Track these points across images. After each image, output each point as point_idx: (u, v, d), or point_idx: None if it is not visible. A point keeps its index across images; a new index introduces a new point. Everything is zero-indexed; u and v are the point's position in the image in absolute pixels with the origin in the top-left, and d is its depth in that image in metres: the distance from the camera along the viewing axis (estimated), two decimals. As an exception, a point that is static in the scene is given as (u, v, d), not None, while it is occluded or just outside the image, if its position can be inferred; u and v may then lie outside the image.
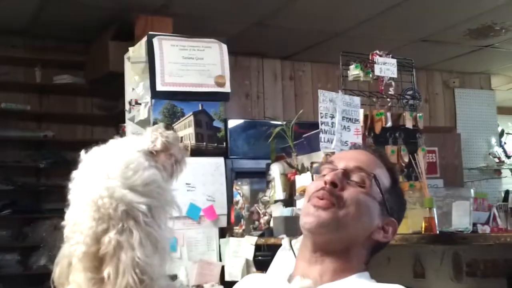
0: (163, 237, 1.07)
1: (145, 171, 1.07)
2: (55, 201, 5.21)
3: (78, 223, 1.05)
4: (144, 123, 3.34)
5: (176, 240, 3.06)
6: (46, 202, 5.39)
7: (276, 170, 3.26)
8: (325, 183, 1.40)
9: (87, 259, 1.03)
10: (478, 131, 7.20)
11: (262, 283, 1.55)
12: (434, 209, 2.42)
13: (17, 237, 5.37)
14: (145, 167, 1.08)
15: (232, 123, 5.49)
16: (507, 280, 1.96)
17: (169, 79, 3.29)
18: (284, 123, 3.32)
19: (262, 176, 3.52)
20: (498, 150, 7.20)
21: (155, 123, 3.26)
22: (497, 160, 7.14)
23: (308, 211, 1.40)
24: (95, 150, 1.13)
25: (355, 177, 1.42)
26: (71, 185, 1.11)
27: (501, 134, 7.49)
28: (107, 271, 1.00)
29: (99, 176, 1.06)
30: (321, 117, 2.80)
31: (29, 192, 5.48)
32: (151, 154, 1.13)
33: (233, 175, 4.16)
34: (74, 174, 1.11)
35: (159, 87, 3.26)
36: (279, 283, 1.48)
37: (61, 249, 1.11)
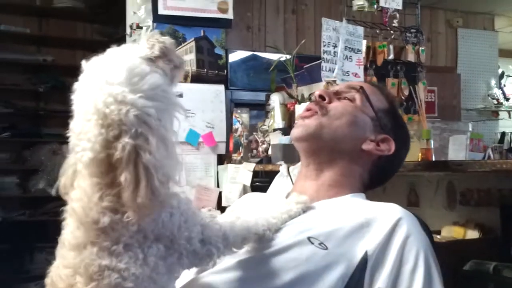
0: (172, 139, 1.07)
1: (149, 76, 1.07)
2: (54, 126, 5.25)
3: (84, 131, 1.04)
4: (145, 48, 3.32)
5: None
6: (45, 126, 5.43)
7: (276, 99, 3.26)
8: (315, 98, 1.48)
9: (93, 165, 1.04)
10: (478, 72, 7.16)
11: (260, 200, 1.59)
12: (431, 141, 2.45)
13: (16, 160, 5.42)
14: (149, 72, 1.08)
15: (233, 55, 5.45)
16: (500, 209, 2.00)
17: (172, 2, 3.24)
18: (285, 55, 3.29)
19: (260, 108, 3.53)
20: (497, 92, 7.18)
21: (156, 47, 3.24)
22: (495, 102, 7.14)
23: (296, 125, 1.49)
24: (95, 59, 1.11)
25: (345, 95, 1.48)
26: (73, 96, 1.08)
27: (501, 76, 7.46)
28: (124, 176, 1.00)
29: (103, 84, 1.04)
30: (324, 46, 2.79)
31: (28, 116, 5.49)
32: (151, 61, 1.11)
33: (232, 106, 4.16)
34: (76, 84, 1.08)
35: (161, 11, 3.22)
36: (276, 199, 1.52)
37: (66, 160, 1.12)
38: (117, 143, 1.00)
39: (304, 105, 3.16)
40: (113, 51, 1.10)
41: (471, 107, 6.96)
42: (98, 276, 1.04)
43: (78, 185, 1.08)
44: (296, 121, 1.51)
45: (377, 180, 1.52)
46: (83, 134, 1.04)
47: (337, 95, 1.49)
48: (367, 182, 1.49)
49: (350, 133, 1.44)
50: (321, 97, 1.47)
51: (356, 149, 1.45)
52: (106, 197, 1.03)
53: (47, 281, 1.09)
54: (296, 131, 1.47)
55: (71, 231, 1.08)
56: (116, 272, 1.04)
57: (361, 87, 1.49)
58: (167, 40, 1.15)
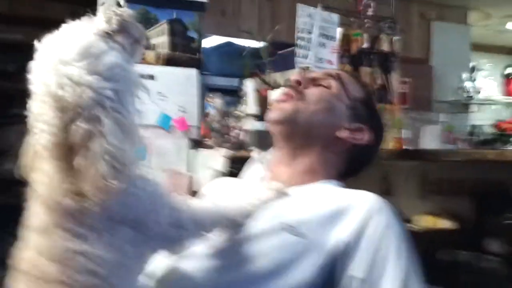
0: (132, 121, 1.03)
1: (106, 55, 1.02)
2: (23, 107, 5.11)
3: (41, 113, 1.00)
4: (117, 29, 3.26)
5: (145, 148, 3.04)
6: (14, 107, 5.28)
7: (249, 85, 3.24)
8: (291, 82, 1.48)
9: (54, 148, 1.00)
10: (451, 65, 7.21)
11: (232, 185, 1.57)
12: (403, 130, 2.46)
13: (-16, 141, 5.31)
14: (106, 50, 1.02)
15: (207, 40, 5.40)
16: (472, 199, 2.01)
17: (144, -17, 3.20)
18: (260, 41, 3.27)
19: (234, 94, 3.51)
20: (468, 85, 7.25)
21: (129, 29, 3.19)
22: (466, 95, 7.22)
23: (272, 108, 1.49)
24: (49, 37, 1.06)
25: (322, 82, 1.46)
26: (29, 76, 1.04)
27: (472, 70, 7.54)
28: (77, 161, 0.97)
29: (57, 64, 0.99)
30: (298, 32, 2.77)
31: (-3, 95, 5.37)
32: (108, 35, 1.06)
33: (206, 91, 4.12)
34: (31, 64, 1.04)
35: (134, -9, 3.16)
36: (249, 184, 1.50)
37: (26, 139, 1.08)
38: (71, 127, 0.97)
39: (278, 91, 3.17)
40: (68, 27, 1.06)
41: (443, 100, 7.01)
42: (64, 259, 1.01)
43: (40, 167, 1.05)
44: (270, 106, 1.49)
45: (351, 169, 1.51)
46: (41, 115, 1.01)
47: (314, 81, 1.49)
48: (342, 171, 1.48)
49: (325, 119, 1.43)
50: (298, 82, 1.46)
51: (330, 135, 1.44)
52: (68, 179, 1.00)
53: (11, 263, 1.06)
54: (272, 115, 1.46)
55: (35, 213, 1.05)
56: (82, 255, 1.01)
57: (338, 75, 1.49)
58: (125, 12, 1.10)
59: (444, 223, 2.05)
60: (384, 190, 2.36)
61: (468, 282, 1.78)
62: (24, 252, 1.05)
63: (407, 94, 6.24)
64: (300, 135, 1.43)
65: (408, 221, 2.13)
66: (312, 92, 1.45)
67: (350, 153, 1.47)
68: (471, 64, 7.48)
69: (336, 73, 1.51)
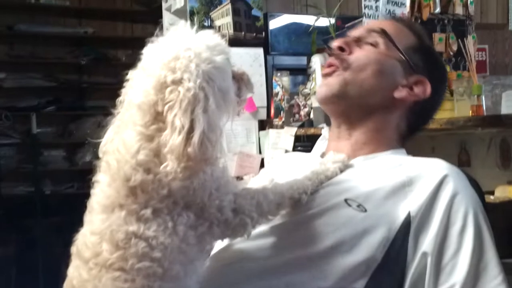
0: (220, 123, 1.02)
1: (225, 57, 1.03)
2: (97, 98, 5.25)
3: (145, 75, 1.00)
4: (180, 13, 3.25)
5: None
6: (89, 99, 5.43)
7: (317, 61, 3.15)
8: (333, 50, 1.33)
9: (141, 111, 0.98)
10: (532, 28, 6.84)
11: (297, 159, 1.50)
12: (483, 97, 2.31)
13: (62, 133, 5.46)
14: (228, 55, 1.04)
15: (274, 20, 5.32)
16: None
17: (206, -35, 3.17)
18: (326, 16, 3.17)
19: (303, 72, 3.43)
20: (553, 48, 6.86)
21: (191, 11, 3.16)
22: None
23: (320, 84, 1.36)
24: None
25: (367, 40, 1.33)
26: (144, 52, 1.04)
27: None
28: (179, 120, 0.94)
29: (186, 41, 1.00)
30: (365, 0, 2.66)
31: (72, 89, 5.50)
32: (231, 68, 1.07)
33: (274, 72, 4.06)
34: (149, 45, 1.04)
35: (196, -26, 3.14)
36: (312, 158, 1.43)
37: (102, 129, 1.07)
38: (176, 87, 0.96)
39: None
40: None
41: (525, 65, 6.66)
42: (125, 244, 0.98)
43: (118, 136, 1.02)
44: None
45: (415, 126, 1.39)
46: (141, 80, 1.01)
47: (357, 41, 1.35)
48: (405, 131, 1.36)
49: (378, 84, 1.30)
50: (340, 48, 1.32)
51: (388, 99, 1.31)
52: (142, 150, 0.97)
53: (73, 250, 1.04)
54: (319, 92, 1.33)
55: (102, 189, 1.03)
56: (144, 240, 0.98)
57: (382, 30, 1.34)
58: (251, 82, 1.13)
59: (528, 193, 1.92)
60: (463, 161, 2.24)
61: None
62: (86, 237, 1.03)
63: (486, 62, 5.99)
64: (355, 108, 1.31)
65: (489, 192, 2.00)
66: (357, 57, 1.30)
67: (412, 110, 1.33)
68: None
69: (379, 27, 1.35)
